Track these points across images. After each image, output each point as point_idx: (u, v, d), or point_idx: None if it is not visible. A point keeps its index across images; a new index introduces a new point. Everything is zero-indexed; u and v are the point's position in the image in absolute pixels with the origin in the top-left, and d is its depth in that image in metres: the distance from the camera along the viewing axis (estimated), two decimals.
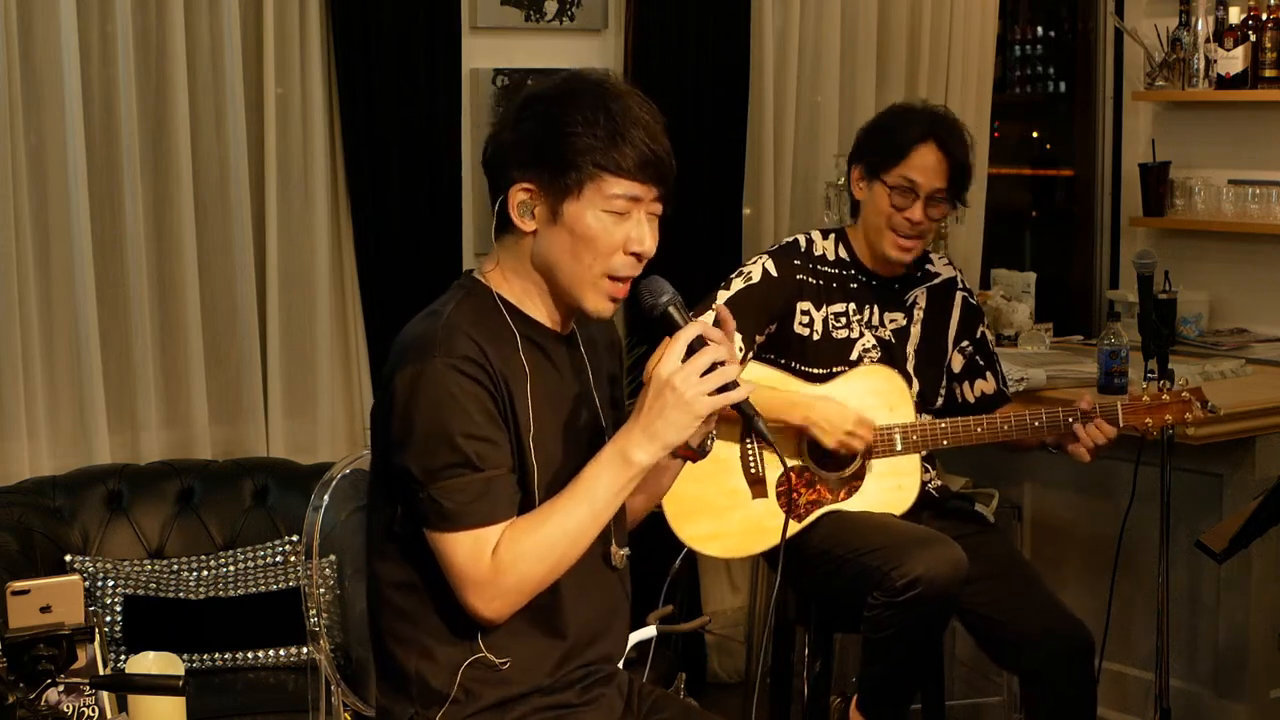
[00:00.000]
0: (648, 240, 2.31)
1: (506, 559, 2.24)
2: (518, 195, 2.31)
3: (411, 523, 2.30)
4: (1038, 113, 5.98)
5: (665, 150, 2.30)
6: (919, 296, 3.64)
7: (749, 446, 3.47)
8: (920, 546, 3.29)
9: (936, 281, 3.67)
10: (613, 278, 2.31)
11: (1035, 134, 6.04)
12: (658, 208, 2.33)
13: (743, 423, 2.31)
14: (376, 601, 2.40)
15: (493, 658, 2.34)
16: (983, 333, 3.71)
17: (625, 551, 2.48)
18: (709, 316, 2.43)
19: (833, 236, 3.62)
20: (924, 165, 3.48)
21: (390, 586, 2.37)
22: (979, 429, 3.50)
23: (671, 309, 2.30)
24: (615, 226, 2.29)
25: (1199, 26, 5.06)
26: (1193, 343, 4.89)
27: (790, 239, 3.64)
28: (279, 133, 4.16)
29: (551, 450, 2.35)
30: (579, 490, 2.27)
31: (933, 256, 3.71)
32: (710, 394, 2.22)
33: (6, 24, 3.80)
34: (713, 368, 2.23)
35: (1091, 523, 4.42)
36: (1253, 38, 4.92)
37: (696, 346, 2.24)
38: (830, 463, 3.50)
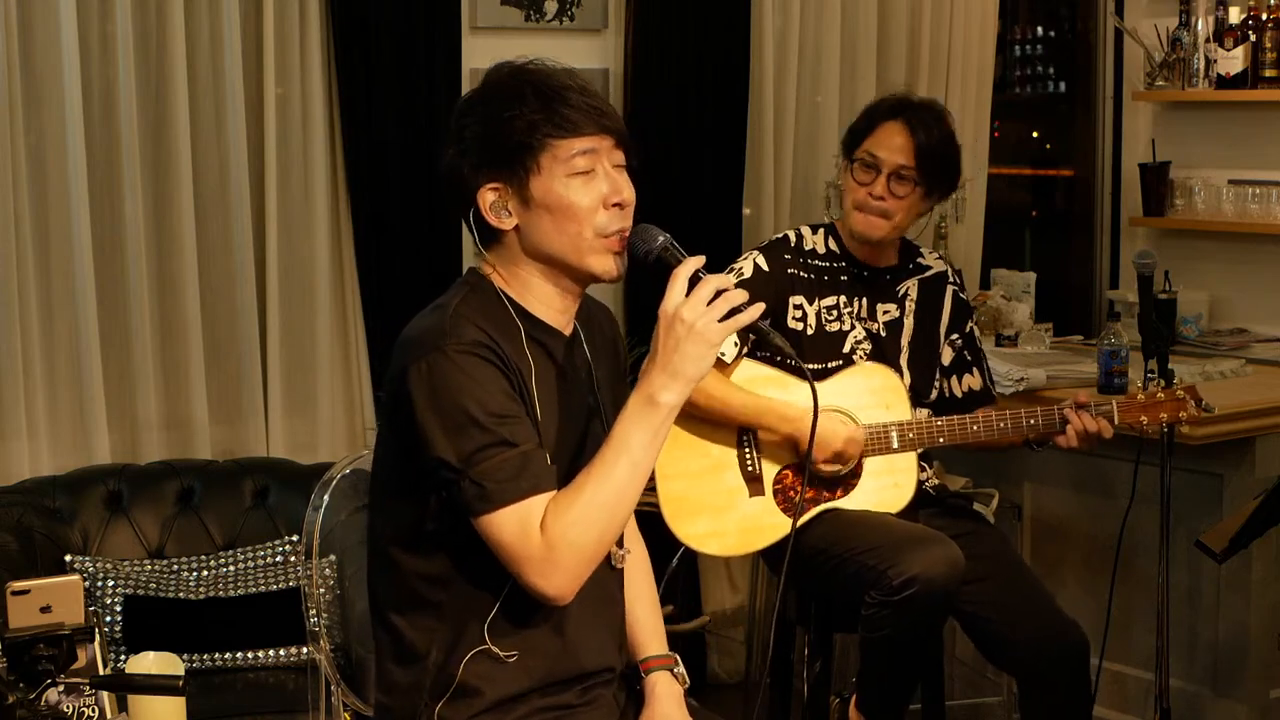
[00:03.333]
0: (623, 189, 2.32)
1: (555, 531, 2.22)
2: (486, 198, 2.32)
3: (451, 514, 2.28)
4: (1038, 113, 5.97)
5: (603, 102, 2.32)
6: (910, 288, 3.65)
7: (746, 446, 3.47)
8: (917, 546, 3.29)
9: (928, 274, 3.67)
10: (606, 235, 2.32)
11: (1035, 134, 6.04)
12: (619, 156, 2.34)
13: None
14: (393, 593, 2.38)
15: (499, 650, 2.34)
16: (971, 328, 3.71)
17: (625, 552, 2.48)
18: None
19: (822, 230, 3.64)
20: (889, 143, 3.50)
21: (418, 579, 2.35)
22: (975, 427, 3.50)
23: (664, 252, 2.31)
24: (585, 187, 2.30)
25: (1199, 26, 5.06)
26: (1193, 343, 4.89)
27: (780, 235, 3.65)
28: (279, 133, 4.16)
29: (556, 444, 2.34)
30: (613, 448, 2.24)
31: (923, 251, 3.71)
32: (720, 319, 2.22)
33: (6, 24, 3.80)
34: (716, 296, 2.23)
35: (1091, 523, 4.42)
36: (1253, 38, 4.92)
37: (696, 281, 2.25)
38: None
